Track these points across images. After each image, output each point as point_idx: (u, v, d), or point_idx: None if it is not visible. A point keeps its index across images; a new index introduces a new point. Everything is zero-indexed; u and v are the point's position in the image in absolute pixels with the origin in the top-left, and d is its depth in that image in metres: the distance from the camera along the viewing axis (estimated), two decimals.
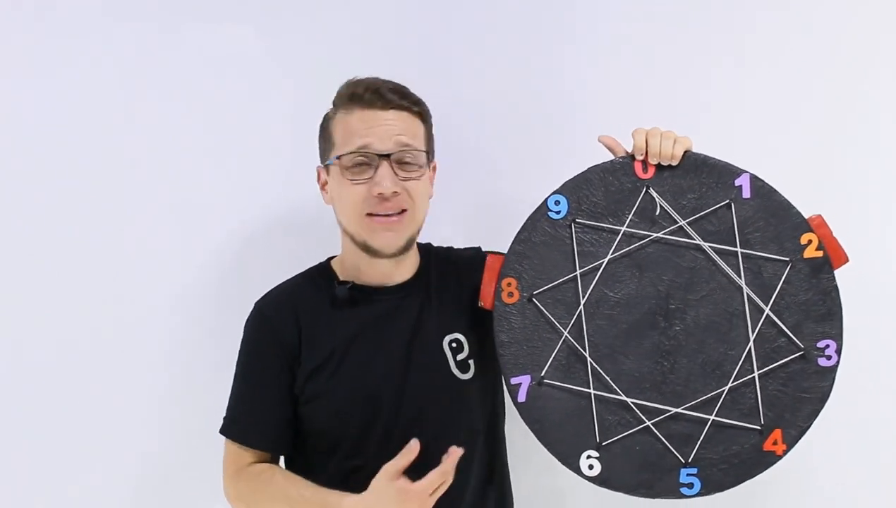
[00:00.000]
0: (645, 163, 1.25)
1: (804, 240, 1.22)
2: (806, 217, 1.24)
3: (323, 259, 1.43)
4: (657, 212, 1.24)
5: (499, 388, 1.40)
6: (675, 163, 1.25)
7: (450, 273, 1.40)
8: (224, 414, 1.35)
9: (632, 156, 1.26)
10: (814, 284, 1.22)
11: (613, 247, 1.24)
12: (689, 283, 1.24)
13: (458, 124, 1.59)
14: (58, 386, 1.58)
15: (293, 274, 1.41)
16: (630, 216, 1.24)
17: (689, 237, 1.24)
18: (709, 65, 1.63)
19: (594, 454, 1.24)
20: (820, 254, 1.22)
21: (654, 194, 1.24)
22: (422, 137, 1.32)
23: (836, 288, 1.22)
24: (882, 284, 1.61)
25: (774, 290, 1.22)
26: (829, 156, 1.61)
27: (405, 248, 1.32)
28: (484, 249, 1.43)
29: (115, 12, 1.58)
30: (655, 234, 1.24)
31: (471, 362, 1.33)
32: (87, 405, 1.59)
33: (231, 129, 1.61)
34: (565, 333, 1.24)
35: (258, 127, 1.62)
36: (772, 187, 1.24)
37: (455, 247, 1.47)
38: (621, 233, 1.24)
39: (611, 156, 1.30)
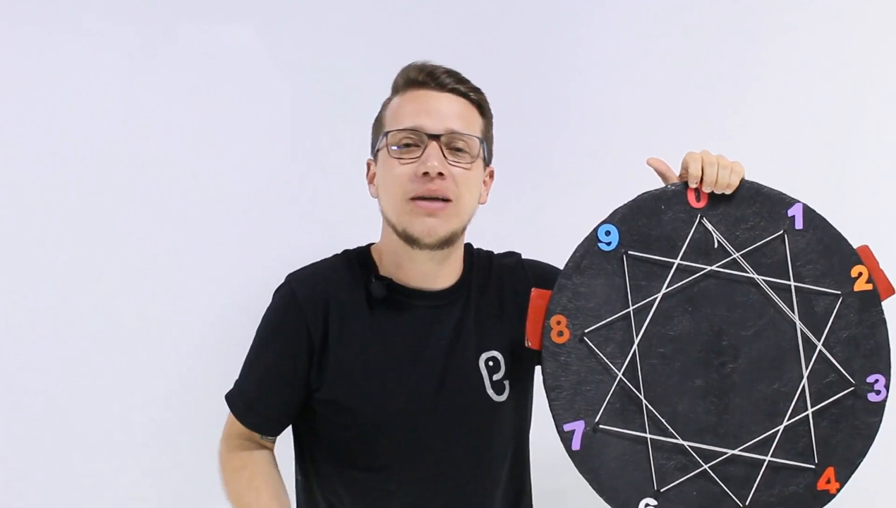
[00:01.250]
0: (698, 191, 1.18)
1: (855, 272, 1.19)
2: (854, 247, 1.20)
3: (324, 255, 1.40)
4: (711, 244, 1.18)
5: (529, 411, 1.33)
6: (730, 192, 1.19)
7: (490, 283, 1.31)
8: (235, 379, 1.29)
9: (684, 183, 1.18)
10: (863, 318, 1.19)
11: (667, 282, 1.17)
12: (742, 319, 1.19)
13: None
14: (61, 388, 1.59)
15: (285, 273, 1.35)
16: (683, 248, 1.18)
17: (743, 270, 1.18)
18: (734, 72, 1.64)
19: (652, 502, 1.17)
20: (870, 286, 1.19)
21: (708, 225, 1.18)
22: (477, 126, 1.23)
23: (884, 321, 1.19)
24: None
25: (826, 325, 1.18)
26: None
27: (446, 242, 1.21)
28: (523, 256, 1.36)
29: (115, 12, 1.58)
30: (709, 268, 1.18)
31: (506, 383, 1.26)
32: (91, 405, 1.59)
33: (231, 129, 1.61)
34: (619, 375, 1.16)
35: (258, 127, 1.62)
36: (823, 217, 1.20)
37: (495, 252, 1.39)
38: (675, 266, 1.17)
39: (658, 181, 1.23)
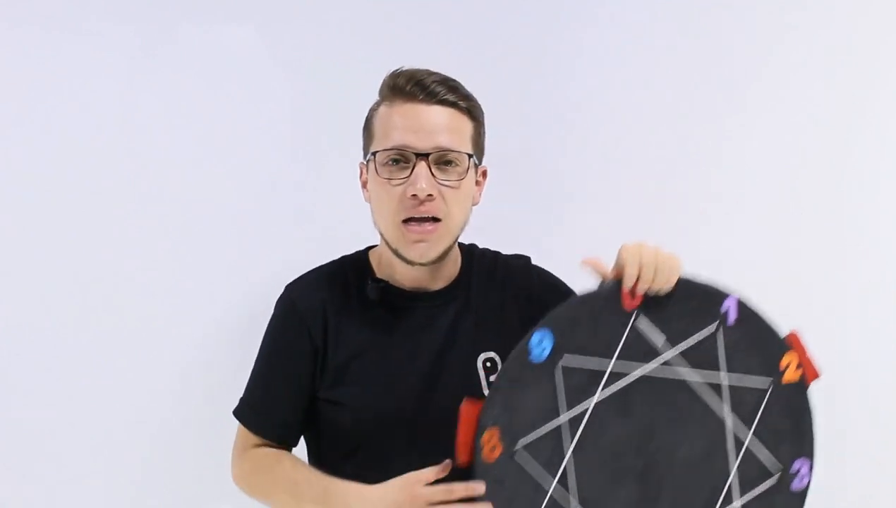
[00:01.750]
0: (633, 290, 1.14)
1: (784, 363, 1.19)
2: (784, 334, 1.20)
3: (324, 258, 1.41)
4: (645, 345, 1.16)
5: None
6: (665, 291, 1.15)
7: (494, 283, 1.31)
8: (241, 394, 1.32)
9: (618, 282, 1.14)
10: (791, 406, 1.19)
11: (600, 389, 1.15)
12: (674, 418, 1.17)
13: None
14: (62, 388, 1.58)
15: (289, 276, 1.38)
16: (617, 351, 1.15)
17: (675, 368, 1.17)
18: (733, 72, 1.64)
19: None
20: (798, 374, 1.19)
21: (642, 325, 1.16)
22: (467, 137, 1.23)
23: (810, 407, 1.20)
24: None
25: (755, 417, 1.18)
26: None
27: (440, 259, 1.24)
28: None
29: (115, 12, 1.58)
30: (641, 372, 1.16)
31: None
32: (93, 405, 1.58)
33: (231, 129, 1.61)
34: (550, 490, 1.14)
35: (258, 127, 1.61)
36: (755, 311, 1.19)
37: (503, 252, 1.39)
38: (607, 372, 1.15)
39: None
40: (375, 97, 1.28)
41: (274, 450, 1.28)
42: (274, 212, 1.62)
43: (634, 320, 1.15)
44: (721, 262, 1.61)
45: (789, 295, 1.62)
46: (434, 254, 1.22)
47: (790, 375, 1.19)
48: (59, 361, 1.58)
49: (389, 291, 1.27)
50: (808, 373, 1.20)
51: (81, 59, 1.58)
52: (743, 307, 1.18)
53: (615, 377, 1.15)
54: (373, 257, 1.33)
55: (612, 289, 1.15)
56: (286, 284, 1.33)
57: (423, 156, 1.19)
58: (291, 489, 1.22)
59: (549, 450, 1.14)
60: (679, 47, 1.63)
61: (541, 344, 1.13)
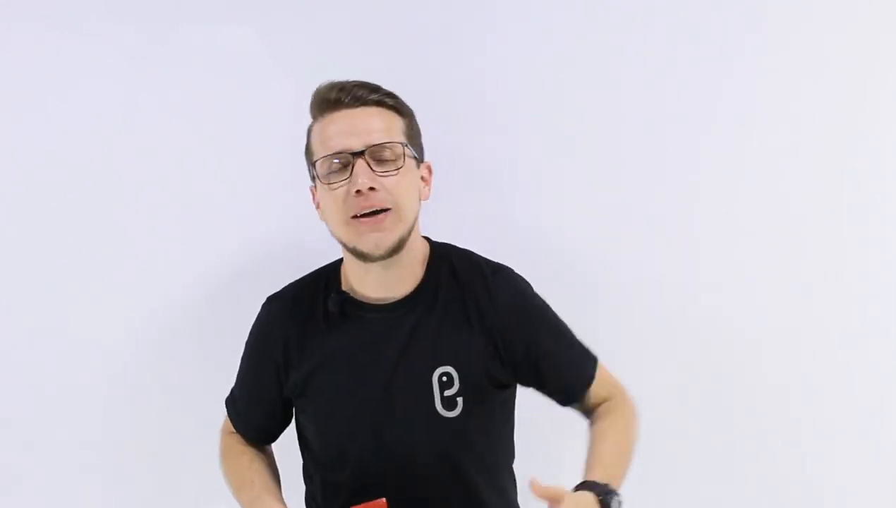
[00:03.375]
0: None
1: None
2: None
3: (324, 258, 1.41)
4: None
5: (497, 427, 1.33)
6: None
7: (465, 294, 1.30)
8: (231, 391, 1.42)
9: None
10: None
11: None
12: None
13: (458, 127, 1.59)
14: (61, 387, 1.58)
15: (289, 277, 1.41)
16: None
17: None
18: (733, 72, 1.63)
19: None
20: None
21: None
22: (399, 131, 1.26)
23: None
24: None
25: None
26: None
27: (396, 249, 1.24)
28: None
29: (115, 12, 1.58)
30: None
31: (459, 399, 1.26)
32: (92, 404, 1.59)
33: (231, 129, 1.61)
34: None
35: (258, 127, 1.61)
36: None
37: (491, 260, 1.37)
38: None
39: None
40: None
41: (242, 445, 1.38)
42: (274, 211, 1.62)
43: None
44: (717, 263, 1.63)
45: (787, 294, 1.63)
46: (389, 242, 1.23)
47: None
48: (58, 360, 1.58)
49: (350, 303, 1.29)
50: None
51: (81, 58, 1.58)
52: None
53: None
54: (342, 269, 1.35)
55: None
56: (267, 296, 1.38)
57: (358, 154, 1.22)
58: (237, 482, 1.33)
59: None
60: (673, 45, 1.63)
61: None
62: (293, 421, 1.39)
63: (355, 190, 1.21)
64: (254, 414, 1.38)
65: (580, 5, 1.62)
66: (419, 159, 1.30)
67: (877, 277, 1.63)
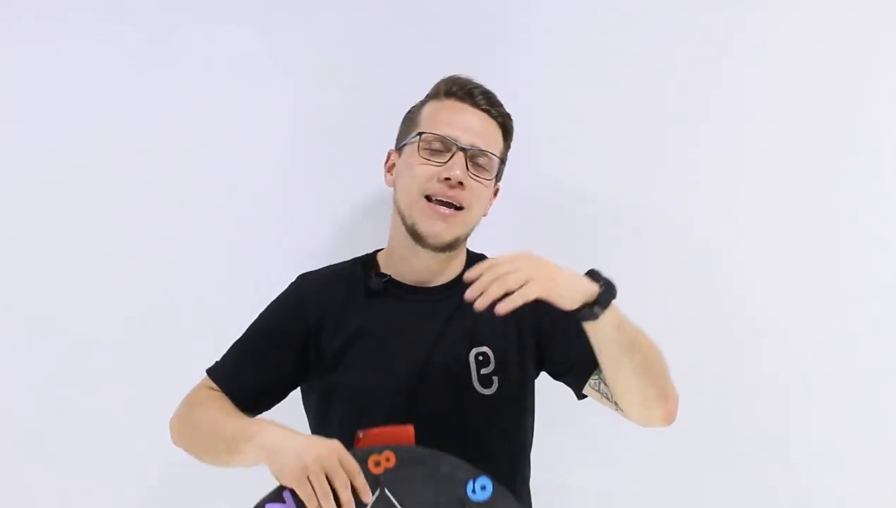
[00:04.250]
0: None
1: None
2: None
3: (324, 257, 1.42)
4: None
5: (528, 408, 1.36)
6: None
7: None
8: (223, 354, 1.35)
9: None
10: None
11: None
12: None
13: None
14: (62, 387, 1.57)
15: (289, 276, 1.39)
16: None
17: None
18: (730, 73, 1.63)
19: None
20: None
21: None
22: (499, 147, 1.34)
23: None
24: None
25: None
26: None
27: (451, 246, 1.31)
28: None
29: (115, 12, 1.58)
30: None
31: (495, 378, 1.31)
32: (92, 404, 1.57)
33: (231, 130, 1.61)
34: None
35: (258, 127, 1.61)
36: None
37: None
38: None
39: None
40: (376, 97, 1.34)
41: (222, 397, 1.29)
42: (274, 211, 1.62)
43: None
44: (713, 263, 1.64)
45: (787, 294, 1.63)
46: (449, 237, 1.29)
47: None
48: (57, 359, 1.57)
49: (392, 283, 1.33)
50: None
51: (81, 59, 1.58)
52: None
53: None
54: (380, 256, 1.39)
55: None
56: (300, 274, 1.39)
57: (462, 149, 1.28)
58: (224, 414, 1.23)
59: None
60: (671, 45, 1.63)
61: None
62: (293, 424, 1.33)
63: (447, 176, 1.27)
64: (253, 375, 1.31)
65: (582, 5, 1.63)
66: (497, 180, 1.37)
67: (877, 277, 1.63)
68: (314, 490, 1.09)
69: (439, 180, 1.27)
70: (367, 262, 1.38)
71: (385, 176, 1.37)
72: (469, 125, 1.30)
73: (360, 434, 1.15)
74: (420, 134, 1.30)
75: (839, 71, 1.62)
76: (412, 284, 1.34)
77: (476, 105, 1.32)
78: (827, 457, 1.62)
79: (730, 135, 1.64)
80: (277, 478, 1.11)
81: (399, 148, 1.36)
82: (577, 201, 1.64)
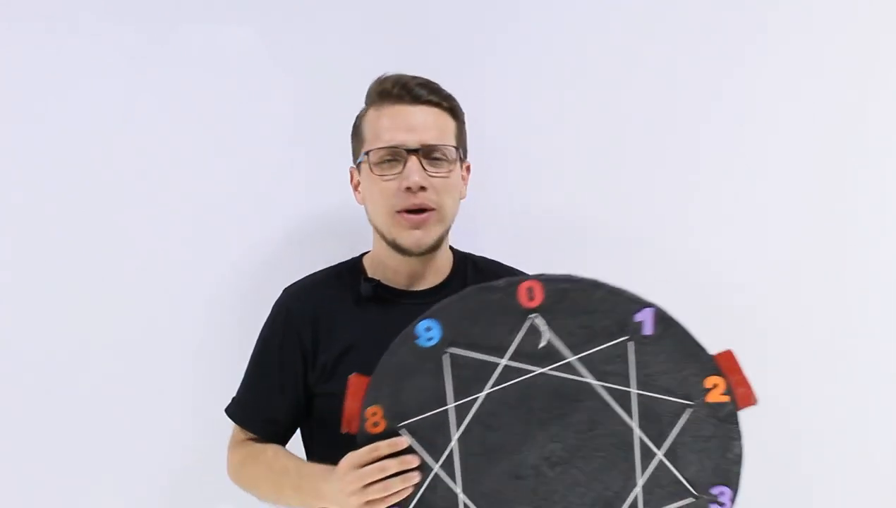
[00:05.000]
0: (531, 289, 1.12)
1: (709, 383, 1.13)
2: (715, 352, 1.14)
3: (324, 257, 1.42)
4: (543, 346, 1.12)
5: None
6: None
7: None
8: (234, 394, 1.38)
9: (518, 279, 1.13)
10: (716, 429, 1.13)
11: (492, 382, 1.13)
12: (577, 422, 1.13)
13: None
14: (62, 388, 1.58)
15: (290, 277, 1.40)
16: (511, 349, 1.12)
17: (579, 374, 1.13)
18: (728, 72, 1.63)
19: None
20: (726, 398, 1.13)
21: (541, 325, 1.12)
22: (452, 133, 1.31)
23: (739, 434, 1.14)
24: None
25: (671, 434, 1.13)
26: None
27: (434, 247, 1.31)
28: (518, 266, 1.40)
29: (115, 12, 1.58)
30: (538, 370, 1.12)
31: None
32: (92, 405, 1.58)
33: (231, 130, 1.61)
34: (436, 468, 1.13)
35: (258, 127, 1.61)
36: (677, 323, 1.13)
37: (504, 263, 1.42)
38: (500, 367, 1.12)
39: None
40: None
41: (261, 443, 1.34)
42: (274, 211, 1.62)
43: (533, 320, 1.12)
44: (712, 263, 1.63)
45: (787, 295, 1.63)
46: (429, 240, 1.29)
47: (716, 397, 1.13)
48: (59, 360, 1.57)
49: (381, 288, 1.33)
50: (740, 398, 1.13)
51: (81, 59, 1.58)
52: (662, 319, 1.13)
53: (511, 372, 1.13)
54: (366, 261, 1.39)
55: (509, 285, 1.13)
56: (284, 288, 1.38)
57: (413, 151, 1.26)
58: (272, 476, 1.28)
59: (440, 434, 1.13)
60: (674, 44, 1.63)
61: (428, 331, 1.14)
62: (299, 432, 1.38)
63: (406, 186, 1.25)
64: (269, 408, 1.33)
65: (585, 6, 1.63)
66: (463, 159, 1.35)
67: (877, 277, 1.63)
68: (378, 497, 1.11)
69: (401, 191, 1.26)
70: (354, 268, 1.38)
71: (354, 194, 1.36)
72: (412, 124, 1.27)
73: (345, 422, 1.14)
74: (367, 152, 1.28)
75: (839, 71, 1.62)
76: (402, 288, 1.34)
77: (416, 99, 1.28)
78: (826, 457, 1.62)
79: (729, 135, 1.63)
80: None
81: (357, 165, 1.34)
82: (572, 205, 1.64)
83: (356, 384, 1.14)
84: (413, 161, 1.26)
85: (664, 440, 1.14)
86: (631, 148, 1.63)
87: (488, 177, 1.52)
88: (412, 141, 1.26)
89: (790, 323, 1.63)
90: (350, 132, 1.36)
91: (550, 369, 1.13)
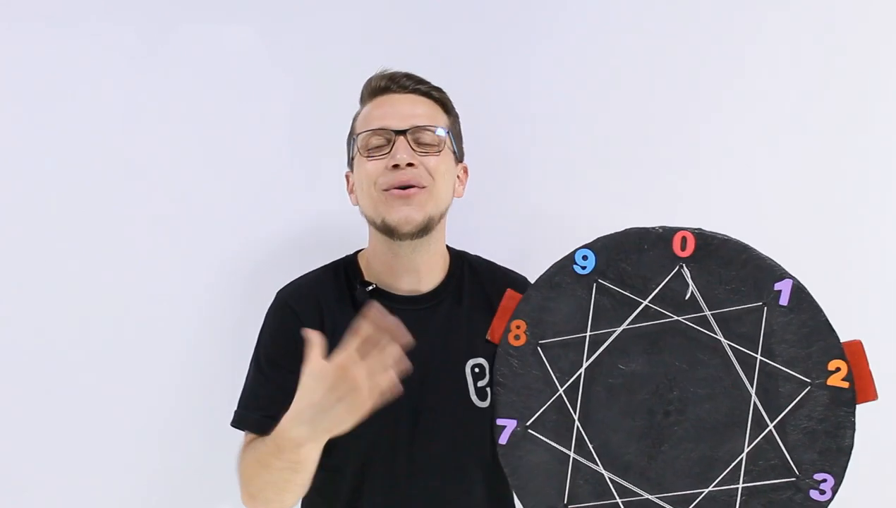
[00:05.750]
0: (685, 239, 1.18)
1: (832, 365, 1.13)
2: (844, 340, 1.15)
3: (322, 257, 1.41)
4: (685, 296, 1.17)
5: None
6: None
7: (485, 289, 1.34)
8: (236, 405, 1.30)
9: (673, 229, 1.18)
10: (829, 414, 1.13)
11: (630, 319, 1.19)
12: (698, 376, 1.17)
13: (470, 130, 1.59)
14: (62, 389, 1.58)
15: (290, 277, 1.39)
16: (656, 291, 1.18)
17: (712, 330, 1.17)
18: (726, 71, 1.63)
19: None
20: (846, 384, 1.13)
21: (687, 276, 1.18)
22: (442, 120, 1.30)
23: (852, 423, 1.13)
24: None
25: (784, 409, 1.15)
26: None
27: (424, 229, 1.26)
28: (524, 274, 1.40)
29: (115, 12, 1.58)
30: (676, 317, 1.17)
31: (488, 390, 1.27)
32: (93, 406, 1.58)
33: (231, 130, 1.61)
34: (561, 391, 1.20)
35: (258, 127, 1.61)
36: (813, 300, 1.15)
37: (501, 265, 1.43)
38: (642, 306, 1.18)
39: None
40: None
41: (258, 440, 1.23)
42: (273, 211, 1.62)
43: (680, 268, 1.17)
44: None
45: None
46: (419, 217, 1.24)
47: (836, 381, 1.13)
48: (57, 360, 1.58)
49: (378, 294, 1.29)
50: (861, 390, 1.13)
51: (81, 58, 1.58)
52: (799, 291, 1.15)
53: (649, 315, 1.18)
54: (361, 260, 1.35)
55: (665, 233, 1.18)
56: (277, 291, 1.34)
57: (400, 133, 1.25)
58: (260, 460, 1.17)
59: (568, 360, 1.20)
60: (673, 44, 1.63)
61: (584, 260, 1.20)
62: None
63: (393, 164, 1.23)
64: (282, 406, 1.17)
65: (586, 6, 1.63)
66: (458, 158, 1.33)
67: (877, 277, 1.63)
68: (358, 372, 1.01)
69: (388, 170, 1.23)
70: (350, 266, 1.34)
71: (349, 198, 1.34)
72: (400, 110, 1.26)
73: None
74: (356, 137, 1.28)
75: (839, 71, 1.62)
76: (397, 293, 1.30)
77: (403, 88, 1.28)
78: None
79: (729, 136, 1.63)
80: (339, 427, 1.06)
81: (350, 165, 1.33)
82: (572, 205, 1.64)
83: (509, 298, 1.22)
84: (401, 140, 1.24)
85: (779, 413, 1.15)
86: (631, 147, 1.63)
87: (488, 177, 1.52)
88: (399, 123, 1.25)
89: None
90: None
91: (686, 318, 1.17)
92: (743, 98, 1.62)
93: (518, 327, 1.21)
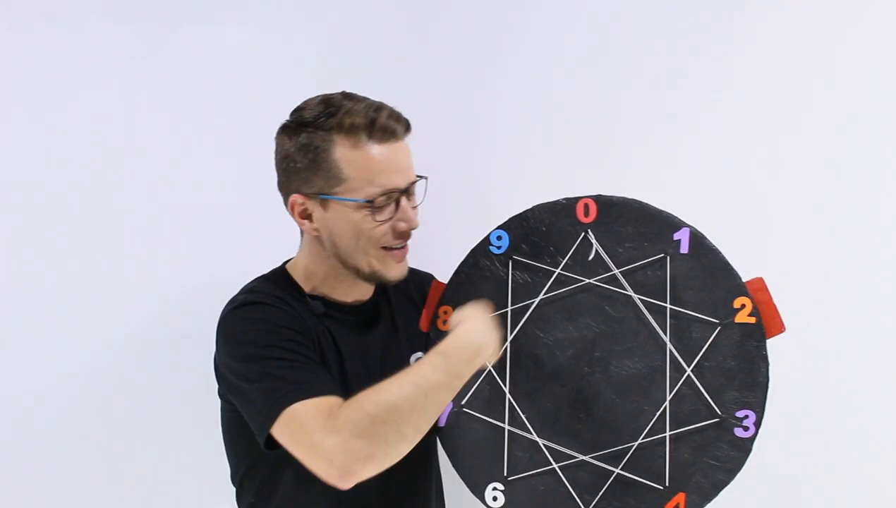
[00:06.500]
0: (587, 206, 1.25)
1: (737, 303, 1.18)
2: (746, 279, 1.19)
3: None
4: (592, 258, 1.24)
5: None
6: None
7: (404, 286, 1.37)
8: (261, 403, 1.15)
9: (576, 198, 1.25)
10: (742, 351, 1.17)
11: (546, 288, 1.25)
12: (615, 334, 1.22)
13: (458, 128, 1.59)
14: (61, 387, 1.58)
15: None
16: (566, 259, 1.25)
17: (622, 287, 1.22)
18: (704, 65, 1.62)
19: (500, 486, 1.24)
20: (753, 320, 1.17)
21: (592, 239, 1.24)
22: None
23: (764, 357, 1.16)
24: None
25: (699, 352, 1.18)
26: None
27: None
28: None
29: (115, 12, 1.58)
30: (587, 280, 1.24)
31: None
32: (93, 404, 1.59)
33: (231, 130, 1.61)
34: (490, 366, 1.25)
35: (257, 127, 1.61)
36: (711, 244, 1.20)
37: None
38: (554, 275, 1.25)
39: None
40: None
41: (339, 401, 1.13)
42: (273, 211, 1.61)
43: (586, 234, 1.24)
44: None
45: (787, 294, 1.63)
46: (407, 269, 1.30)
47: (743, 317, 1.18)
48: (57, 361, 1.58)
49: (329, 305, 1.30)
50: (769, 325, 1.17)
51: (81, 58, 1.58)
52: (698, 238, 1.21)
53: (564, 282, 1.25)
54: (294, 274, 1.32)
55: (569, 203, 1.26)
56: (243, 291, 1.29)
57: (405, 191, 1.25)
58: (439, 383, 1.12)
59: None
60: (674, 48, 1.63)
61: (499, 240, 1.29)
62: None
63: (407, 229, 1.25)
64: (320, 374, 1.18)
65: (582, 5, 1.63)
66: None
67: (878, 277, 1.63)
68: None
69: (398, 232, 1.24)
70: (286, 280, 1.31)
71: (298, 222, 1.26)
72: (402, 163, 1.23)
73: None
74: (370, 201, 1.20)
75: (839, 72, 1.62)
76: (342, 301, 1.31)
77: (397, 137, 1.23)
78: (825, 457, 1.62)
79: (728, 136, 1.63)
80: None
81: (315, 196, 1.23)
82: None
83: (436, 287, 1.32)
84: (407, 202, 1.25)
85: (693, 357, 1.19)
86: (630, 148, 1.63)
87: (488, 177, 1.53)
88: (404, 180, 1.24)
89: (789, 323, 1.62)
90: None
91: (597, 280, 1.24)
92: (744, 98, 1.62)
93: (445, 312, 1.29)
